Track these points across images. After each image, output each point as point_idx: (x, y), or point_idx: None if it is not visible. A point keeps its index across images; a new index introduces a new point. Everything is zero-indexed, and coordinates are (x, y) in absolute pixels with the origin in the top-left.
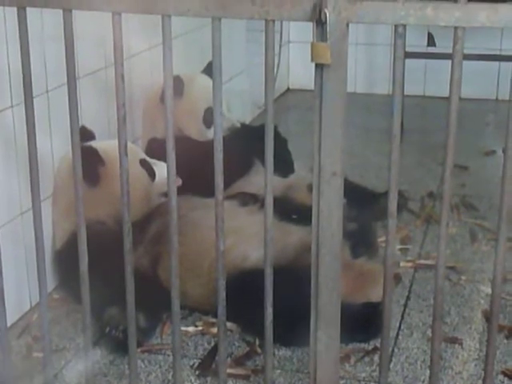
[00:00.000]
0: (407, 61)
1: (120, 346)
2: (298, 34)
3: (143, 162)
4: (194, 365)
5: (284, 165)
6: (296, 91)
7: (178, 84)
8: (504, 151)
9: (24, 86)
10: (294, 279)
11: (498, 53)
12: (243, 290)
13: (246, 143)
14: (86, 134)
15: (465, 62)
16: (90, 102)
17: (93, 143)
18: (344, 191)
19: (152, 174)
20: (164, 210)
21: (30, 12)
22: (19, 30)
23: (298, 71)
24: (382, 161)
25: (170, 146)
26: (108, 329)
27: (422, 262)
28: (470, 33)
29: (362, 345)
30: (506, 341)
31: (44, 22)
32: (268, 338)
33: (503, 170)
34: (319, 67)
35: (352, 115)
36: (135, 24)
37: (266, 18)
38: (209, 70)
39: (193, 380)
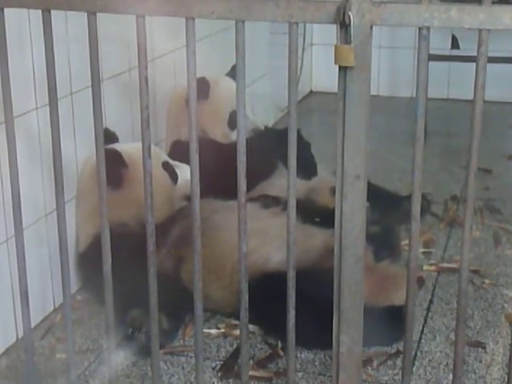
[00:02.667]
0: (431, 63)
1: (143, 348)
2: (321, 36)
3: (166, 165)
4: (216, 367)
5: (307, 167)
6: (319, 94)
7: (204, 86)
8: None
9: (48, 88)
10: (317, 282)
11: None
12: (266, 292)
13: (270, 146)
14: (109, 136)
15: (489, 65)
16: (113, 104)
17: (115, 146)
18: (367, 194)
19: (174, 176)
20: (187, 213)
21: (55, 14)
22: (44, 32)
23: (321, 74)
24: (405, 164)
25: (194, 149)
26: (131, 330)
27: (446, 265)
28: (494, 35)
29: (385, 348)
30: None
31: (68, 25)
32: (290, 341)
33: None
34: (343, 70)
35: (375, 118)
36: (161, 25)
37: (289, 20)
38: (233, 73)
39: (215, 382)
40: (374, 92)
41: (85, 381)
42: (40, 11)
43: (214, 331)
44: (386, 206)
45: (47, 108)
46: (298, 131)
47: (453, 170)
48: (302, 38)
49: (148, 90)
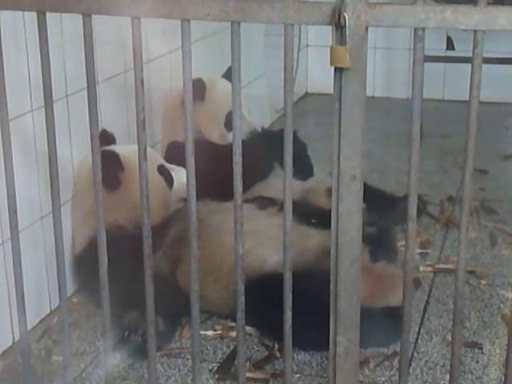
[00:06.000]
0: (426, 64)
1: (139, 350)
2: (317, 37)
3: (161, 169)
4: (212, 369)
5: (303, 169)
6: (314, 95)
7: (201, 87)
8: None
9: (44, 91)
10: (314, 283)
11: None
12: (262, 293)
13: (266, 147)
14: (106, 138)
15: (484, 66)
16: (109, 106)
17: (112, 148)
18: (363, 195)
19: (170, 180)
20: (183, 215)
21: (50, 16)
22: (39, 34)
23: (317, 75)
24: (401, 165)
25: (190, 151)
26: (127, 333)
27: (442, 266)
28: (489, 36)
29: (382, 349)
30: None
31: (64, 27)
32: (287, 342)
33: None
34: (338, 71)
35: (371, 119)
36: (157, 27)
37: (285, 21)
38: (229, 75)
39: None
40: (369, 93)
41: (81, 383)
42: (35, 13)
43: (210, 333)
44: (383, 207)
45: (43, 110)
46: (294, 132)
47: (449, 170)
48: (297, 40)
49: (144, 91)
